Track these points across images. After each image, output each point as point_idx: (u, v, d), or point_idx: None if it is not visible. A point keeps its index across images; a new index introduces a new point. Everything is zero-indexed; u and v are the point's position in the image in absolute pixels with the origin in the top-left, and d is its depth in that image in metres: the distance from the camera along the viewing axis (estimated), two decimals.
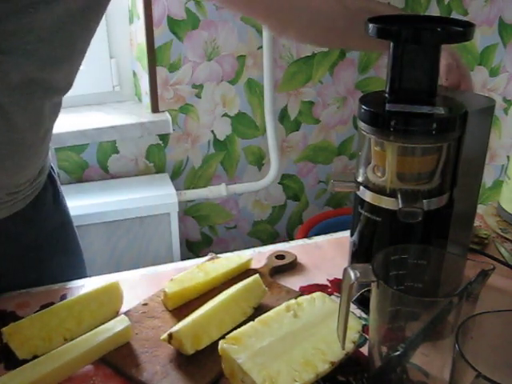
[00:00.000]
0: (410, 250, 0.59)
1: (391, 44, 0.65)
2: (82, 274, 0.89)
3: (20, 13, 0.59)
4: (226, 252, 0.84)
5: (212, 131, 1.82)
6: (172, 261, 1.64)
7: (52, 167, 0.86)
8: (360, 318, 0.69)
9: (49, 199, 0.83)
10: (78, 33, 0.67)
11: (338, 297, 0.73)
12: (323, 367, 0.58)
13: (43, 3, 0.60)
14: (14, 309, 0.72)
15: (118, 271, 0.82)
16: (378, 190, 0.66)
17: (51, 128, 0.75)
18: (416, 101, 0.64)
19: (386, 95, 0.67)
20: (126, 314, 0.69)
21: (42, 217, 0.82)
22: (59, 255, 0.86)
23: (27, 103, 0.66)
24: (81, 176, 1.73)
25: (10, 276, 0.78)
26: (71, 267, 0.89)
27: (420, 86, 0.66)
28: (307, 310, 0.65)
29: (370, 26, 0.64)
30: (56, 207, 0.85)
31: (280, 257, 0.81)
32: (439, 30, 0.66)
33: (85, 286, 0.77)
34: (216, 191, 1.86)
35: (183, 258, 1.69)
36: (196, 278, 0.73)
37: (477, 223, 0.91)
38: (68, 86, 0.72)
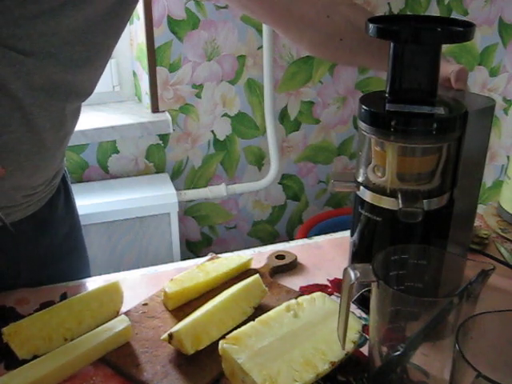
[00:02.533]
0: (409, 249, 0.59)
1: (391, 44, 0.65)
2: (86, 276, 0.90)
3: (47, 15, 0.59)
4: (226, 252, 0.84)
5: (212, 131, 1.82)
6: (172, 261, 1.64)
7: (65, 170, 0.86)
8: (360, 317, 0.69)
9: (61, 203, 0.84)
10: (102, 37, 0.67)
11: (338, 297, 0.73)
12: (323, 367, 0.58)
13: (70, 5, 0.60)
14: (13, 304, 0.72)
15: (118, 271, 0.82)
16: (378, 190, 0.66)
17: (71, 131, 0.75)
18: (416, 101, 0.64)
19: (386, 95, 0.67)
20: (126, 314, 0.69)
21: (56, 220, 0.83)
22: (69, 258, 0.87)
23: (49, 105, 0.66)
24: (81, 176, 1.73)
25: (23, 276, 0.79)
26: (78, 270, 0.90)
27: (420, 86, 0.66)
28: (307, 310, 0.65)
29: (370, 26, 0.64)
30: (68, 211, 0.86)
31: (280, 257, 0.81)
32: (439, 29, 0.66)
33: (85, 285, 0.77)
34: (216, 191, 1.86)
35: (183, 258, 1.69)
36: (196, 278, 0.73)
37: (477, 223, 0.91)
38: (90, 90, 0.72)
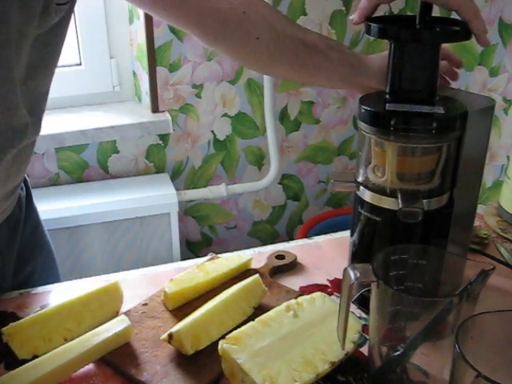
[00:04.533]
0: (410, 249, 0.59)
1: (391, 44, 0.65)
2: (56, 276, 0.90)
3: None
4: (226, 252, 0.84)
5: (212, 131, 1.82)
6: (172, 261, 1.64)
7: None
8: (360, 318, 0.69)
9: (24, 199, 0.84)
10: (55, 41, 0.67)
11: (338, 297, 0.73)
12: (323, 367, 0.58)
13: (15, 41, 0.59)
14: (14, 310, 0.72)
15: (118, 271, 0.82)
16: (378, 190, 0.66)
17: (32, 142, 0.74)
18: (416, 100, 0.64)
19: (386, 95, 0.67)
20: (125, 314, 0.69)
21: (23, 217, 0.83)
22: (41, 253, 0.87)
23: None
24: (81, 176, 1.73)
25: (8, 279, 0.79)
26: (49, 264, 0.90)
27: (420, 86, 0.66)
28: (307, 310, 0.65)
29: (371, 26, 0.64)
30: (29, 207, 0.86)
31: (280, 257, 0.81)
32: (439, 30, 0.66)
33: (84, 286, 0.77)
34: (216, 191, 1.86)
35: (183, 258, 1.69)
36: (196, 278, 0.73)
37: (477, 223, 0.91)
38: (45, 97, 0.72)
